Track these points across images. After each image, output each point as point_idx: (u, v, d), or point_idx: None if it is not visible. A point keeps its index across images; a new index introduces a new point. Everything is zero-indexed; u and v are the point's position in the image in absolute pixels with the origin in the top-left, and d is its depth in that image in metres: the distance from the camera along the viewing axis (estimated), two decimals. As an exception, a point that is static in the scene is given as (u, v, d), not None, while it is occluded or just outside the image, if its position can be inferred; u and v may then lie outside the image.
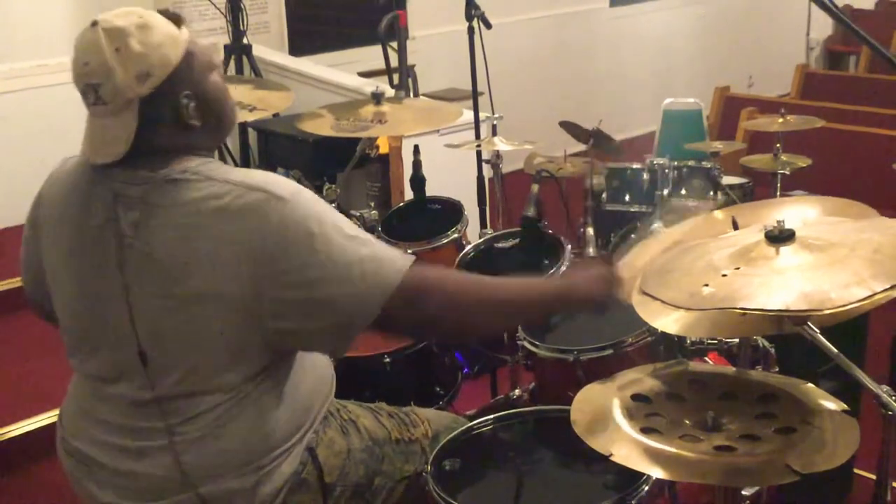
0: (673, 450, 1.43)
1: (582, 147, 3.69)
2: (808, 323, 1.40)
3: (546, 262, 2.60)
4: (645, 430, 1.49)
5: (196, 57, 1.59)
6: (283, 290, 1.53)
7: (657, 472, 1.41)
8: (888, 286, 1.29)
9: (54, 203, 1.69)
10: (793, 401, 1.56)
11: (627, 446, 1.45)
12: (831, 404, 1.53)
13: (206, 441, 1.60)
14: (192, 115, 1.58)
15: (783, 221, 1.47)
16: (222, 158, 4.08)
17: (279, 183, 1.57)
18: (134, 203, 1.56)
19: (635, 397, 1.61)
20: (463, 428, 1.91)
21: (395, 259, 1.59)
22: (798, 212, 1.84)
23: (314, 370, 1.78)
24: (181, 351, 1.58)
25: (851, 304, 1.29)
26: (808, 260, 1.41)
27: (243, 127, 4.65)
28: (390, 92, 4.08)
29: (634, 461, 1.42)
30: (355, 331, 1.59)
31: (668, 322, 1.60)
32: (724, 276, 1.43)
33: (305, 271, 1.53)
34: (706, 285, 1.43)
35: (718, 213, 1.95)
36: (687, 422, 1.54)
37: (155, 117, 1.55)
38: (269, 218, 1.52)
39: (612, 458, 1.42)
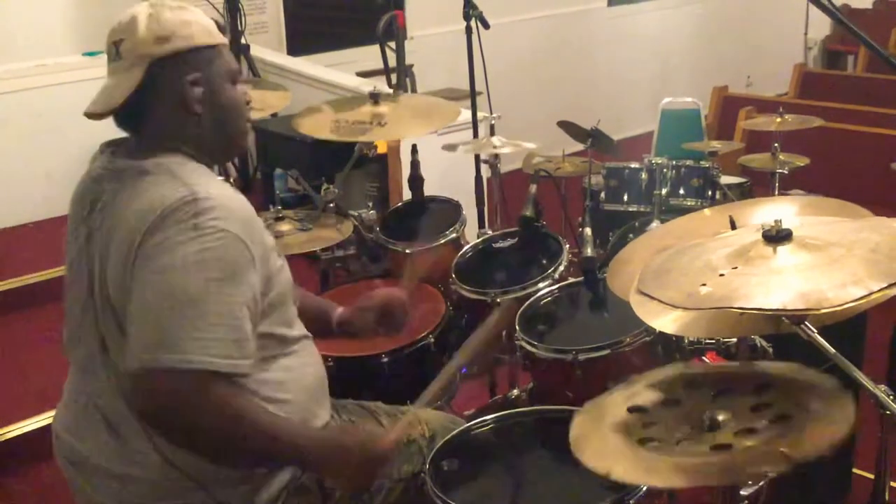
0: (671, 458, 1.42)
1: (580, 147, 3.69)
2: (806, 322, 1.40)
3: (544, 261, 2.60)
4: (643, 441, 1.49)
5: (221, 58, 1.64)
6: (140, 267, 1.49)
7: (656, 482, 1.41)
8: (885, 285, 1.29)
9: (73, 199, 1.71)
10: (787, 386, 1.55)
11: (625, 462, 1.44)
12: (827, 383, 1.51)
13: None
14: (195, 101, 1.60)
15: (780, 221, 1.47)
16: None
17: (226, 208, 1.51)
18: (105, 192, 1.58)
19: (632, 409, 1.61)
20: (461, 428, 1.92)
21: (209, 347, 1.43)
22: (790, 211, 1.85)
23: (303, 377, 1.74)
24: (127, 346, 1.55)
25: (848, 303, 1.29)
26: (805, 259, 1.41)
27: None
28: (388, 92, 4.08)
29: (633, 475, 1.42)
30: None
31: (666, 322, 1.60)
32: (722, 275, 1.43)
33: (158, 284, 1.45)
34: (704, 285, 1.43)
35: (709, 212, 1.95)
36: (685, 425, 1.54)
37: (160, 85, 1.58)
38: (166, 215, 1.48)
39: (612, 477, 1.42)
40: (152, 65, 1.57)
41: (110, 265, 1.54)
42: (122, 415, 1.60)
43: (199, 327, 1.43)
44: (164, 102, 1.60)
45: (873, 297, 1.29)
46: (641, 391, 1.66)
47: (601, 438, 1.53)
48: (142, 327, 1.45)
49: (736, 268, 1.44)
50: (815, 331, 1.40)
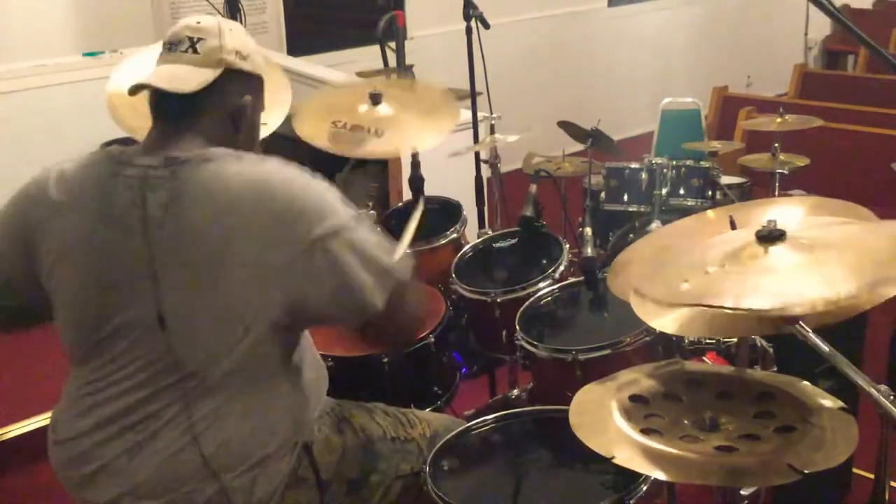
0: (675, 451, 1.42)
1: (580, 147, 3.69)
2: (801, 322, 1.40)
3: (544, 261, 2.60)
4: (645, 432, 1.49)
5: (263, 91, 1.78)
6: (317, 253, 1.60)
7: (660, 474, 1.40)
8: (854, 292, 1.29)
9: (60, 203, 1.66)
10: (790, 399, 1.56)
11: (629, 448, 1.45)
12: (828, 402, 1.53)
13: (218, 426, 1.60)
14: (244, 116, 1.71)
15: (774, 221, 1.47)
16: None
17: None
18: (163, 183, 1.58)
19: (633, 398, 1.61)
20: (461, 428, 1.92)
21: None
22: (795, 212, 1.85)
23: (314, 369, 1.79)
24: (203, 327, 1.58)
25: (818, 307, 1.29)
26: (794, 260, 1.41)
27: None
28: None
29: (637, 463, 1.42)
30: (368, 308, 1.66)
31: (666, 322, 1.60)
32: (707, 273, 1.43)
33: (341, 249, 1.63)
34: (685, 281, 1.43)
35: (713, 213, 1.95)
36: (686, 422, 1.54)
37: (224, 93, 1.67)
38: (306, 192, 1.65)
39: (615, 461, 1.42)
40: (228, 72, 1.66)
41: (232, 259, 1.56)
42: (156, 398, 1.60)
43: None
44: (221, 108, 1.69)
45: (841, 301, 1.30)
46: (642, 381, 1.66)
47: (603, 422, 1.53)
48: (367, 273, 1.65)
49: (724, 266, 1.44)
50: (810, 331, 1.40)
